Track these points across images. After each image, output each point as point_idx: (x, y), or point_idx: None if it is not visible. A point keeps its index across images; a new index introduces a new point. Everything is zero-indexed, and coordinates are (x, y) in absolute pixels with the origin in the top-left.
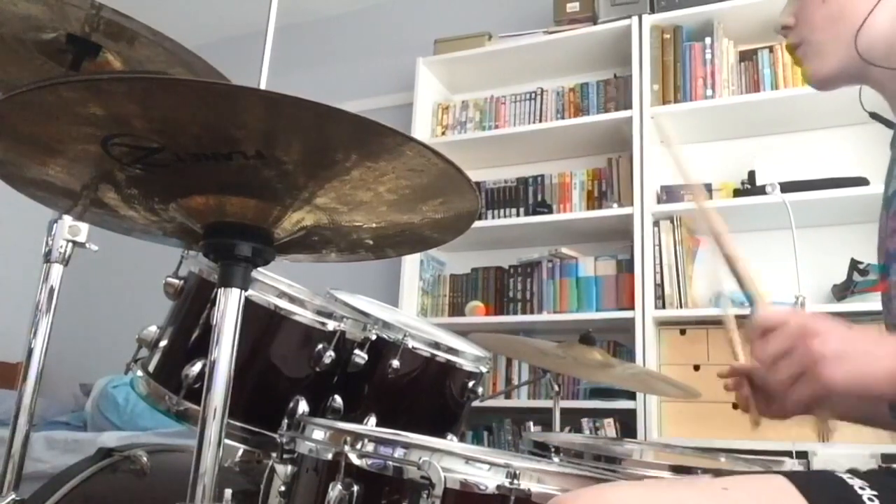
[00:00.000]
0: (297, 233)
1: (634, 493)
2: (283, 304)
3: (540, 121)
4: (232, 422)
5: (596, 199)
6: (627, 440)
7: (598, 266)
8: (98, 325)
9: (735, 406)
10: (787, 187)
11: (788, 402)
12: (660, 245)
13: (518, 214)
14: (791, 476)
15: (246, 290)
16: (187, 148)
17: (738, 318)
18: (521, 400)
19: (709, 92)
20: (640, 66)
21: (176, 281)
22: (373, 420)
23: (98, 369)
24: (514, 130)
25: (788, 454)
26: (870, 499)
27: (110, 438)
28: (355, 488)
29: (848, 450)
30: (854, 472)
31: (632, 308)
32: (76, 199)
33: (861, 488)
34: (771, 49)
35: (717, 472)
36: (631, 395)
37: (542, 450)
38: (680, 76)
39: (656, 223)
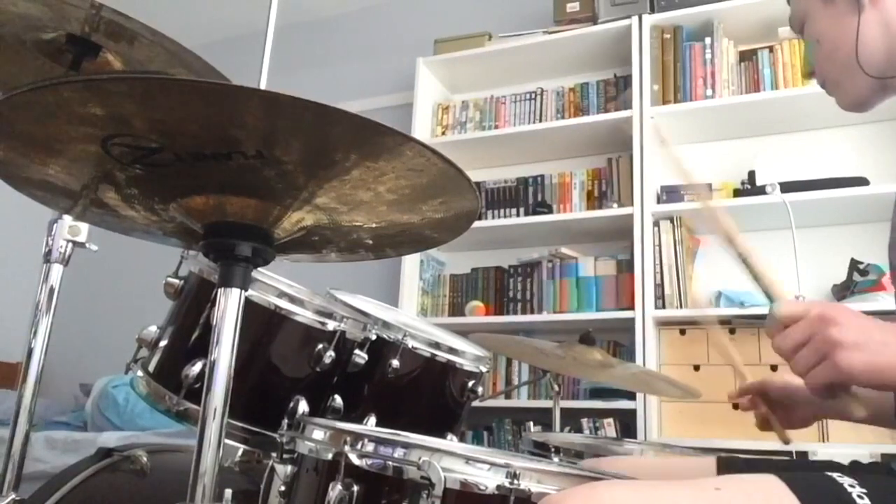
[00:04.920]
0: (297, 233)
1: (627, 492)
2: (283, 304)
3: (540, 121)
4: (232, 422)
5: (596, 199)
6: (627, 440)
7: (598, 266)
8: (98, 325)
9: (735, 406)
10: (787, 187)
11: (808, 386)
12: (660, 245)
13: (518, 214)
14: (783, 475)
15: (246, 290)
16: (187, 148)
17: (728, 321)
18: (521, 400)
19: (709, 92)
20: (640, 66)
21: (176, 281)
22: (373, 420)
23: (98, 369)
24: (514, 130)
25: (788, 454)
26: (859, 496)
27: (110, 438)
28: (355, 488)
29: (848, 449)
30: (851, 467)
31: (632, 308)
32: (76, 199)
33: (851, 486)
34: (771, 49)
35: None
36: (631, 395)
37: (542, 450)
38: (680, 76)
39: (656, 223)
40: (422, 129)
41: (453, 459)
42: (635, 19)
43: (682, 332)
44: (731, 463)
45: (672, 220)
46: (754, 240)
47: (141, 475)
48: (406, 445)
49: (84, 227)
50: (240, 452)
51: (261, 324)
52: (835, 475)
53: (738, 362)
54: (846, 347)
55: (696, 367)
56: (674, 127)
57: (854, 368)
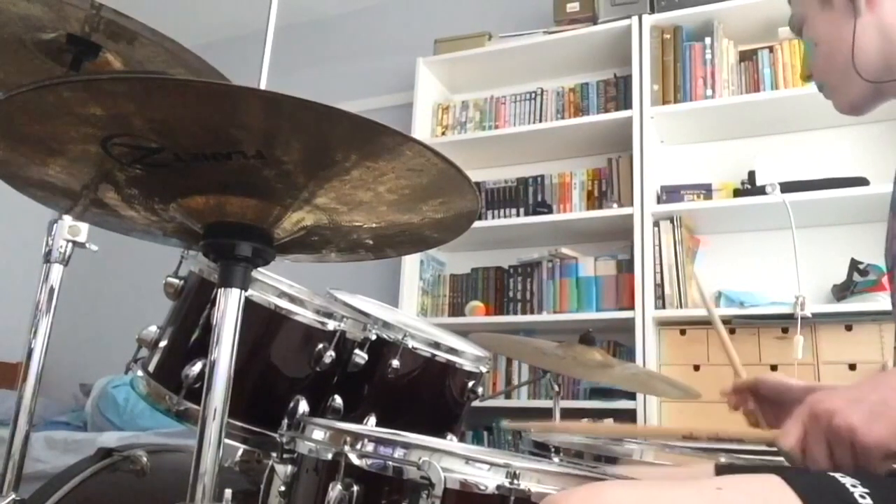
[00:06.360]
0: (297, 233)
1: (629, 492)
2: (283, 303)
3: (540, 121)
4: (232, 422)
5: (596, 199)
6: (627, 440)
7: (598, 266)
8: (98, 325)
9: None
10: (787, 187)
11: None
12: (660, 245)
13: (518, 214)
14: (785, 475)
15: (246, 290)
16: (187, 148)
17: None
18: (521, 400)
19: (709, 92)
20: (640, 66)
21: (176, 281)
22: (373, 420)
23: (98, 369)
24: (514, 130)
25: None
26: (861, 496)
27: (110, 438)
28: (355, 488)
29: None
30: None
31: (632, 308)
32: (76, 199)
33: (853, 486)
34: (771, 49)
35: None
36: (631, 395)
37: (542, 450)
38: (680, 76)
39: (656, 223)
40: (422, 129)
41: (453, 459)
42: (635, 19)
43: (683, 332)
44: (729, 470)
45: (672, 220)
46: (754, 240)
47: (141, 475)
48: (406, 445)
49: (84, 227)
50: (240, 452)
51: (261, 324)
52: (837, 475)
53: (735, 360)
54: (861, 427)
55: (696, 367)
56: (674, 127)
57: (885, 440)
